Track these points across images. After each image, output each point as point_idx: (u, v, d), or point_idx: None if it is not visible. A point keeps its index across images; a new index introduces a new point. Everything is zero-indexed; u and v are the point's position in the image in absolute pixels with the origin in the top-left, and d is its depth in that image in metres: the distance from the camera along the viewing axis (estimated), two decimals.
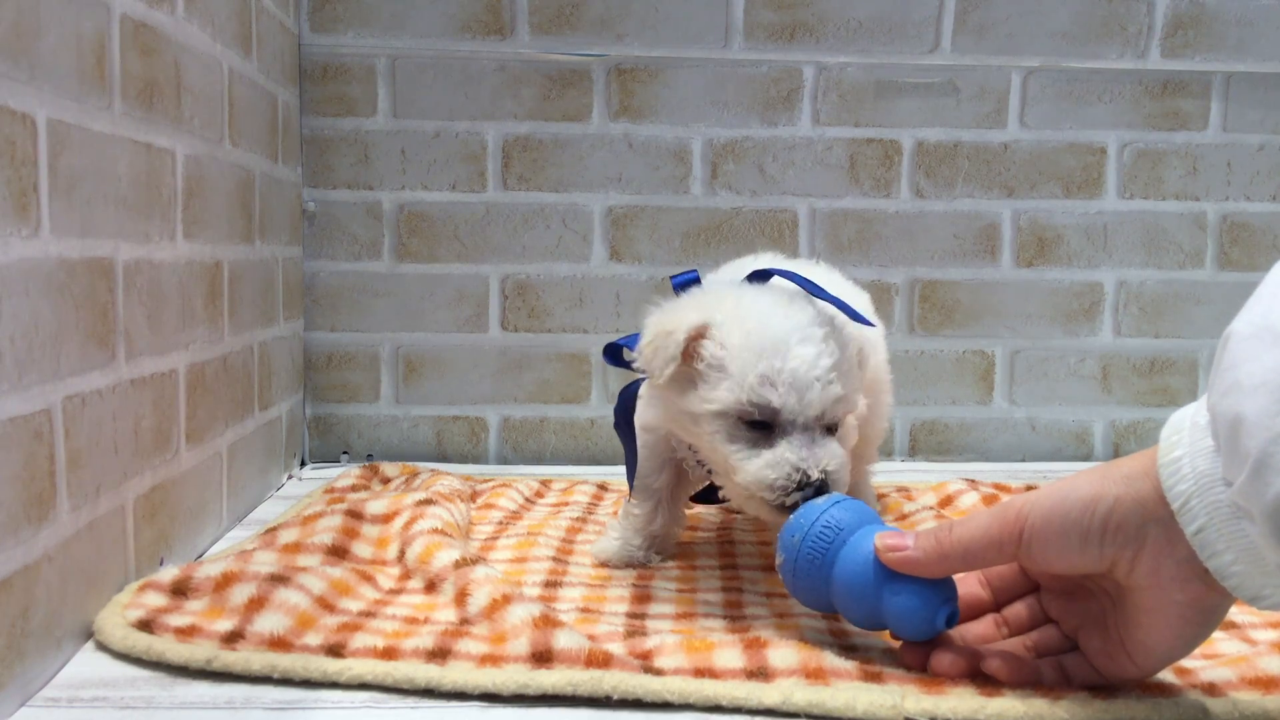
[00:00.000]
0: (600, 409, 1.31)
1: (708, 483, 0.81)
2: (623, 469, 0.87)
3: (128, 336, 0.73)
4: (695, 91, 1.28)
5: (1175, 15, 1.30)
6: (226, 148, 0.95)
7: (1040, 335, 1.34)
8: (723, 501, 0.82)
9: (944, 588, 0.60)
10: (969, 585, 0.64)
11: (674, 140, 1.29)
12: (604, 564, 0.84)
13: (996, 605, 0.64)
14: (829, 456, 0.67)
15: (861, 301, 0.89)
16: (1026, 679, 0.58)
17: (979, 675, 0.59)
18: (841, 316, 0.71)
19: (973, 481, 1.10)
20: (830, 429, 0.69)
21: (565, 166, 1.28)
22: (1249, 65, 1.31)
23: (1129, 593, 0.54)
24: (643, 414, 0.79)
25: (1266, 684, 0.59)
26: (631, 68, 1.28)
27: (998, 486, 1.08)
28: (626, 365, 0.76)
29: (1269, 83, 1.32)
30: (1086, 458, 1.35)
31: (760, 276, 0.75)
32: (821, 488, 0.66)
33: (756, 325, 0.67)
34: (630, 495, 0.84)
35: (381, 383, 1.30)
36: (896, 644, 0.64)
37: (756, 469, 0.66)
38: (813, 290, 0.72)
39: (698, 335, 0.68)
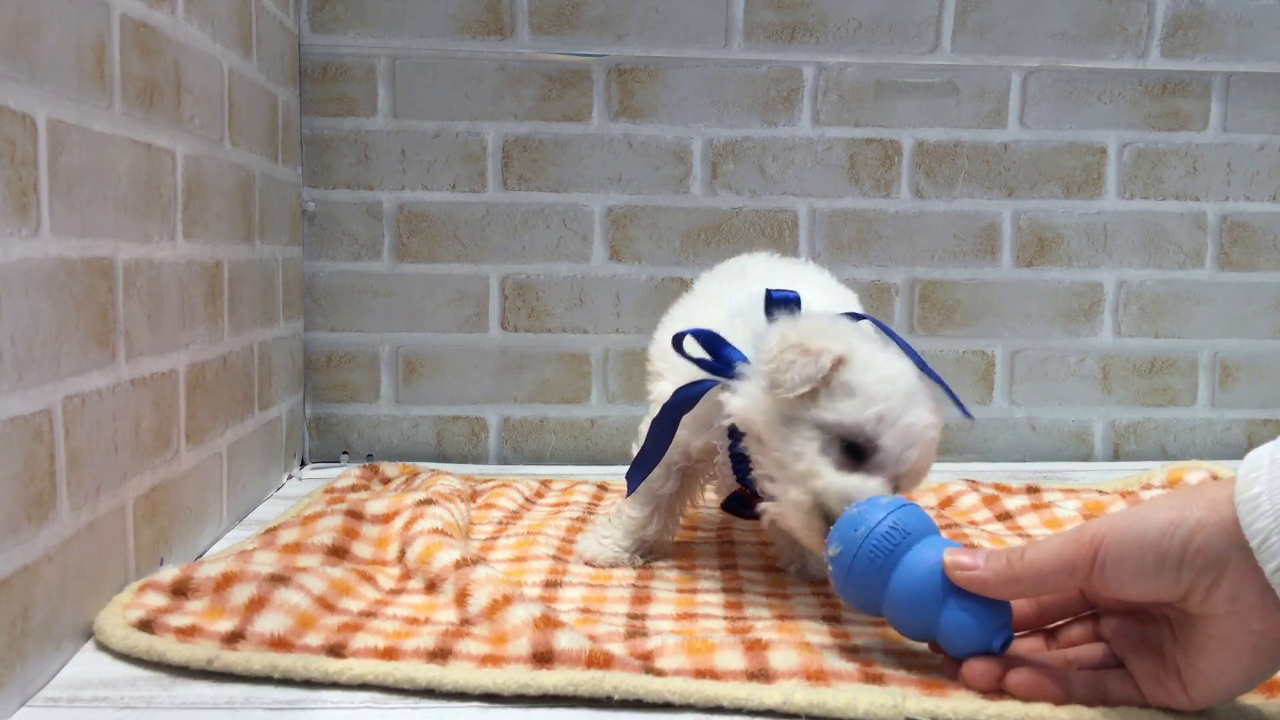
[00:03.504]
0: (600, 409, 1.31)
1: (734, 491, 0.81)
2: (623, 469, 0.87)
3: (128, 336, 0.73)
4: (695, 91, 1.28)
5: (1175, 15, 1.30)
6: (226, 148, 0.95)
7: (1040, 335, 1.34)
8: (748, 514, 0.81)
9: (1003, 611, 0.59)
10: (1016, 601, 0.63)
11: (674, 140, 1.29)
12: (589, 563, 0.84)
13: (1041, 619, 0.62)
14: None
15: (851, 302, 0.89)
16: (1052, 697, 0.57)
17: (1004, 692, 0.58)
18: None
19: (973, 482, 1.09)
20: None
21: (565, 166, 1.28)
22: (1249, 65, 1.31)
23: (1201, 621, 0.53)
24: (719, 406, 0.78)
25: (1270, 687, 0.59)
26: (631, 68, 1.28)
27: (998, 487, 1.08)
28: (696, 361, 0.76)
29: (1269, 83, 1.32)
30: (1086, 458, 1.35)
31: (852, 318, 0.76)
32: None
33: (891, 373, 0.70)
34: (627, 495, 0.84)
35: (381, 383, 1.30)
36: (923, 647, 0.64)
37: (845, 483, 0.67)
38: (914, 358, 0.73)
39: (837, 364, 0.69)
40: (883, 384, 0.69)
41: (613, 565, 0.83)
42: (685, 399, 0.76)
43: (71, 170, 0.64)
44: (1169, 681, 0.55)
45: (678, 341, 0.77)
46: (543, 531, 0.91)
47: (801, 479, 0.68)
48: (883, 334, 0.76)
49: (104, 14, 0.69)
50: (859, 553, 0.61)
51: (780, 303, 0.75)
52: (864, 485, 0.67)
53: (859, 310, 0.80)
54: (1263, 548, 0.49)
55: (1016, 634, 0.61)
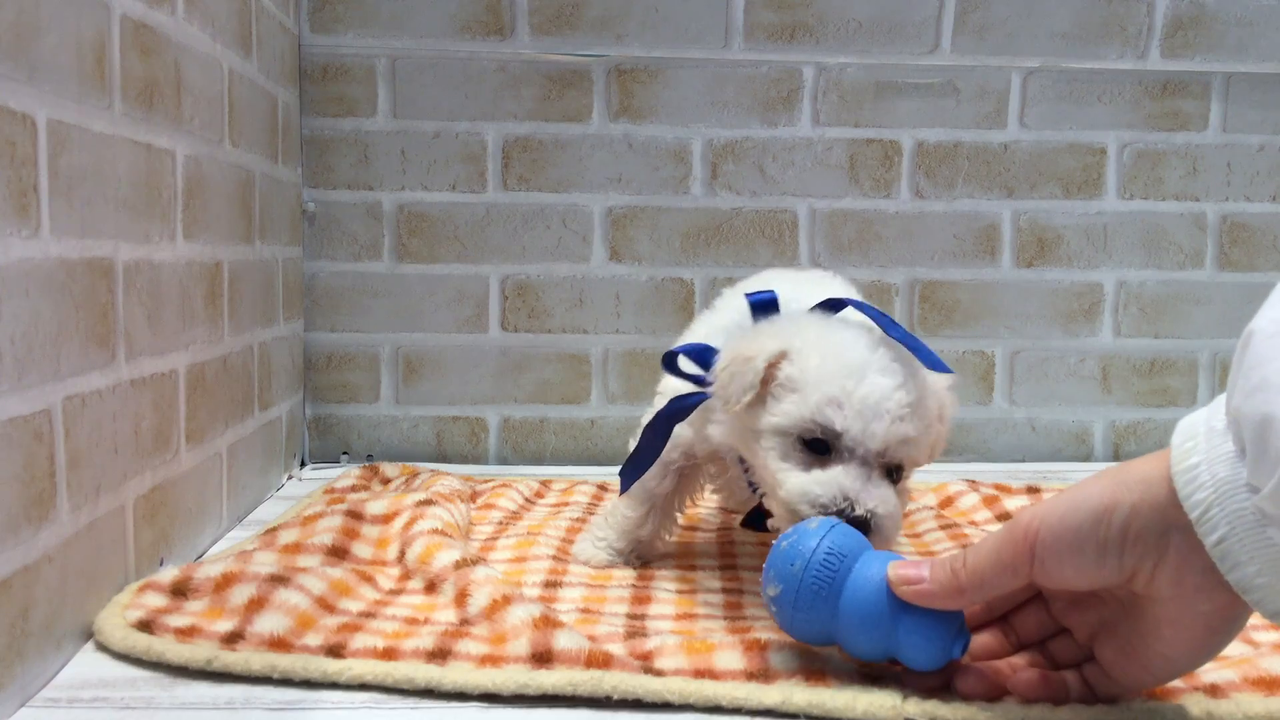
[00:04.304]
0: (600, 409, 1.31)
1: (755, 505, 0.80)
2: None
3: (128, 336, 0.73)
4: (695, 92, 1.28)
5: (1175, 15, 1.30)
6: (226, 148, 0.95)
7: (1040, 335, 1.34)
8: (766, 528, 0.81)
9: (957, 616, 0.57)
10: None
11: (674, 140, 1.29)
12: (584, 563, 0.84)
13: (989, 613, 0.61)
14: (880, 499, 0.64)
15: None
16: (1055, 696, 0.56)
17: (1007, 695, 0.57)
18: (924, 368, 0.69)
19: (973, 482, 1.10)
20: (891, 472, 0.66)
21: (565, 167, 1.28)
22: (1249, 65, 1.31)
23: (1148, 603, 0.51)
24: (692, 430, 0.77)
25: (1269, 685, 0.59)
26: (631, 68, 1.28)
27: (998, 487, 1.08)
28: (687, 377, 0.74)
29: (1269, 83, 1.32)
30: (1086, 458, 1.35)
31: (832, 306, 0.73)
32: (864, 528, 0.62)
33: (834, 351, 0.66)
34: (621, 495, 0.83)
35: (381, 383, 1.30)
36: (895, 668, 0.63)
37: (803, 482, 0.64)
38: (890, 329, 0.69)
39: (776, 362, 0.67)
40: (824, 367, 0.65)
41: (608, 565, 0.83)
42: (679, 410, 0.76)
43: (71, 170, 0.64)
44: (1131, 664, 0.54)
45: (668, 360, 0.76)
46: (543, 532, 0.91)
47: (772, 490, 0.67)
48: (865, 316, 0.71)
49: (104, 14, 0.69)
50: (801, 587, 0.58)
51: (759, 306, 0.74)
52: (820, 478, 0.64)
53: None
54: (1203, 520, 0.47)
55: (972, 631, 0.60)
